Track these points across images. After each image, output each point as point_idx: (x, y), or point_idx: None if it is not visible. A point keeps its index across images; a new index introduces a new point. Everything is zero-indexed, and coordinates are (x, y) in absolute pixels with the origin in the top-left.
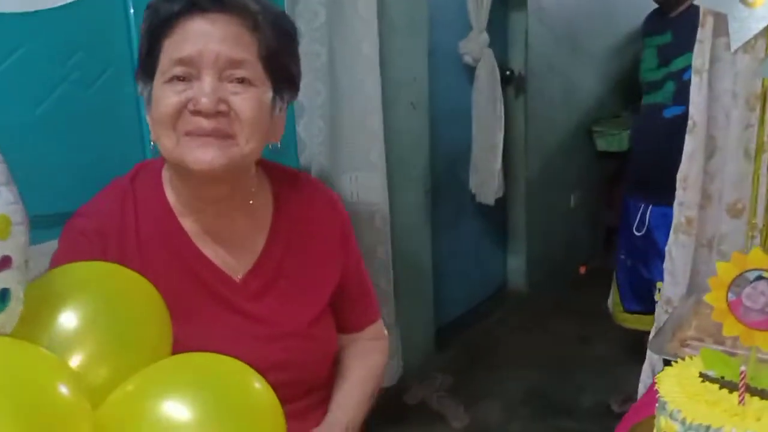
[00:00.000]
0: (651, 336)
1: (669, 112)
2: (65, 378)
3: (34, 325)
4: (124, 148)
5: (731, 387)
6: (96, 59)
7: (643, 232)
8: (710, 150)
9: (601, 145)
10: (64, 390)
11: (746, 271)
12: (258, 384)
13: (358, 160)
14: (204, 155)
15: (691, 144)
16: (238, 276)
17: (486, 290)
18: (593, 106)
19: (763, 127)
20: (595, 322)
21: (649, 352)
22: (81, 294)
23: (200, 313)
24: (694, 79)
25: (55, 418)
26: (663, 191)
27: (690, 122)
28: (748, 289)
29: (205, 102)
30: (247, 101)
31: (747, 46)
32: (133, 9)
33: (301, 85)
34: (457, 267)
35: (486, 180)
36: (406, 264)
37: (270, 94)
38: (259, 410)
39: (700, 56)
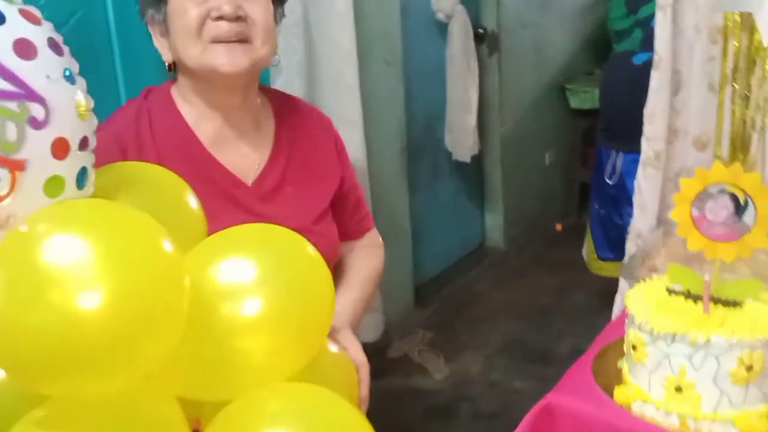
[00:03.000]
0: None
1: (638, 59)
2: (161, 232)
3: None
4: (97, 92)
5: (696, 298)
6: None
7: (615, 180)
8: (675, 85)
9: (575, 102)
10: (165, 244)
11: (709, 186)
12: (312, 250)
13: (337, 117)
14: (231, 58)
15: (657, 79)
16: (248, 180)
17: (464, 247)
18: (566, 63)
19: (725, 60)
20: (571, 274)
21: (621, 283)
22: (123, 188)
23: (216, 214)
24: (659, 15)
25: (159, 271)
26: (634, 138)
27: (655, 57)
28: (710, 203)
29: (226, 8)
30: (260, 7)
31: None
32: None
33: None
34: (435, 224)
35: (461, 137)
36: (384, 221)
37: (272, 6)
38: (316, 268)
39: None
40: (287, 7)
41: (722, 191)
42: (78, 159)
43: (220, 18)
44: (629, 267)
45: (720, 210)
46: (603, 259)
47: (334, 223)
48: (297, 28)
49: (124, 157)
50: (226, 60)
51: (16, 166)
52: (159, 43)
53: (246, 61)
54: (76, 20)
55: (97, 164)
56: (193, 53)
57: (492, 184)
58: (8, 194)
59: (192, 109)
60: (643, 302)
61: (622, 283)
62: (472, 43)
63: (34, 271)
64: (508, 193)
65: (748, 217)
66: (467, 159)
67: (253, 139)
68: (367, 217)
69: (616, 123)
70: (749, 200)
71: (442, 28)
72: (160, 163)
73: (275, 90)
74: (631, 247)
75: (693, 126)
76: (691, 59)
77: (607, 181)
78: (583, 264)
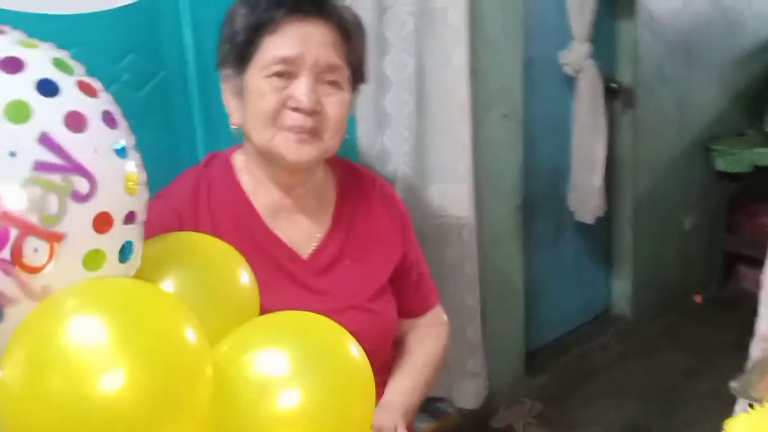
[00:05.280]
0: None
1: None
2: (188, 320)
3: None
4: (174, 151)
5: None
6: (148, 62)
7: None
8: None
9: (721, 164)
10: (189, 333)
11: None
12: (353, 346)
13: (445, 171)
14: (300, 150)
15: None
16: (305, 253)
17: (586, 313)
18: (711, 122)
19: None
20: (708, 354)
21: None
22: (174, 260)
23: (269, 287)
24: None
25: (179, 360)
26: None
27: None
28: None
29: (305, 103)
30: (337, 103)
31: None
32: (190, 14)
33: (388, 95)
34: (553, 287)
35: (585, 197)
36: (494, 281)
37: (350, 96)
38: (354, 370)
39: None
40: (400, 59)
41: None
42: (122, 233)
43: (296, 109)
44: (743, 381)
45: None
46: None
47: (393, 300)
48: (409, 81)
49: (181, 227)
50: (295, 150)
51: (55, 238)
52: (229, 102)
53: (314, 153)
54: (158, 81)
55: (154, 233)
56: (264, 136)
57: (621, 247)
58: (45, 265)
59: (251, 179)
60: None
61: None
62: (601, 99)
63: (52, 349)
64: (639, 258)
65: None
66: (591, 220)
67: (312, 212)
68: (431, 294)
69: None
70: None
71: (570, 82)
72: (215, 234)
73: (340, 160)
74: (754, 352)
75: None
76: None
77: None
78: (725, 342)
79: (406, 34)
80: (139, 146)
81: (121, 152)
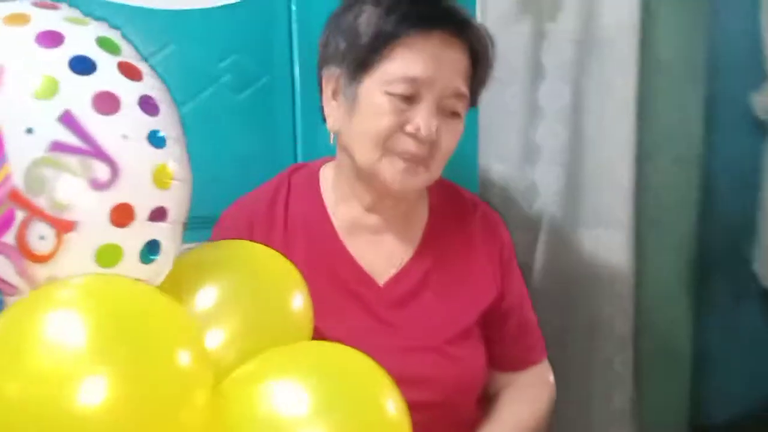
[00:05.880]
0: None
1: None
2: (185, 336)
3: (175, 294)
4: (273, 158)
5: None
6: (253, 64)
7: None
8: None
9: None
10: (182, 352)
11: None
12: (388, 388)
13: (601, 215)
14: (405, 179)
15: None
16: (381, 280)
17: None
18: None
19: None
20: None
21: None
22: (218, 270)
23: (334, 312)
24: None
25: (162, 379)
26: None
27: None
28: None
29: (424, 131)
30: (453, 134)
31: None
32: (300, 18)
33: (540, 126)
34: (730, 357)
35: None
36: (653, 343)
37: (462, 124)
38: (381, 416)
39: None
40: (554, 88)
41: None
42: (146, 230)
43: (412, 135)
44: None
45: None
46: None
47: (481, 347)
48: (563, 113)
49: (251, 236)
50: (401, 180)
51: (65, 227)
52: (328, 103)
53: (419, 183)
54: (262, 85)
55: (223, 238)
56: (369, 157)
57: None
58: (51, 255)
59: (335, 194)
60: None
61: None
62: None
63: (13, 349)
64: None
65: None
66: None
67: (397, 233)
68: (535, 348)
69: None
70: None
71: (761, 127)
72: (285, 247)
73: (440, 180)
74: None
75: None
76: None
77: None
78: None
79: (563, 60)
80: (233, 150)
81: (158, 141)
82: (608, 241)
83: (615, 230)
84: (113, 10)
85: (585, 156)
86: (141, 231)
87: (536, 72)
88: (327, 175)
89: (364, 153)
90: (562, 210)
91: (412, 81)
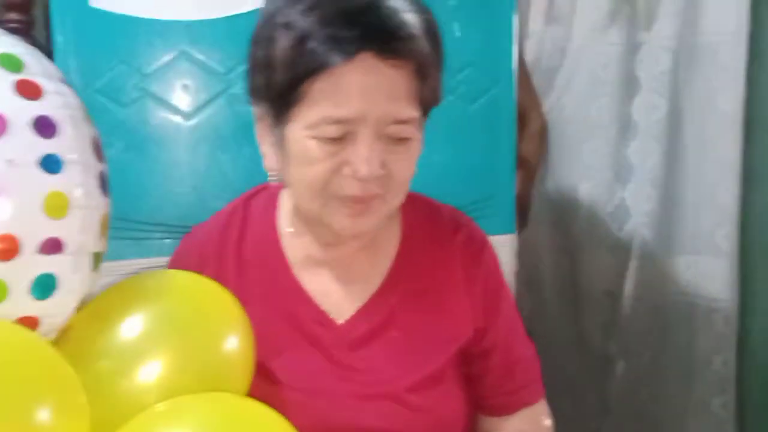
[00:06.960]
0: None
1: None
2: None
3: (96, 328)
4: (494, 169)
5: None
6: (483, 77)
7: None
8: None
9: None
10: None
11: None
12: None
13: (699, 241)
14: (356, 224)
15: None
16: (341, 318)
17: None
18: None
19: None
20: None
21: None
22: (138, 304)
23: (288, 352)
24: None
25: None
26: None
27: None
28: None
29: (365, 171)
30: (405, 162)
31: None
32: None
33: (633, 142)
34: None
35: None
36: (760, 383)
37: (420, 138)
38: None
39: None
40: (650, 101)
41: None
42: (37, 263)
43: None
44: None
45: None
46: None
47: (457, 391)
48: (658, 126)
49: (201, 269)
50: (350, 225)
51: None
52: (263, 141)
53: (372, 222)
54: (488, 98)
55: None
56: (311, 206)
57: None
58: None
59: (291, 226)
60: None
61: None
62: None
63: None
64: None
65: None
66: None
67: (361, 265)
68: (527, 389)
69: None
70: None
71: None
72: (239, 283)
73: (417, 198)
74: None
75: None
76: None
77: None
78: None
79: (659, 71)
80: (455, 160)
81: (53, 166)
82: (708, 269)
83: (715, 257)
84: None
85: (682, 175)
86: (29, 265)
87: (629, 85)
88: (285, 202)
89: (305, 201)
90: (656, 234)
91: (339, 122)
